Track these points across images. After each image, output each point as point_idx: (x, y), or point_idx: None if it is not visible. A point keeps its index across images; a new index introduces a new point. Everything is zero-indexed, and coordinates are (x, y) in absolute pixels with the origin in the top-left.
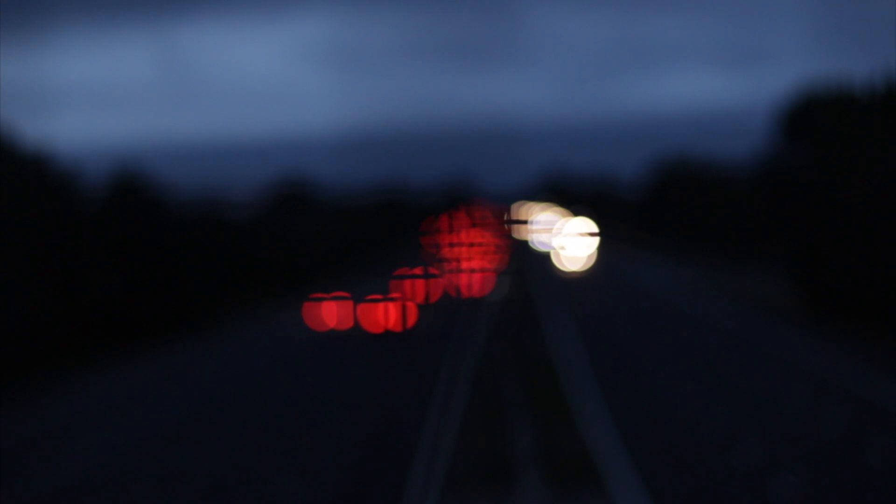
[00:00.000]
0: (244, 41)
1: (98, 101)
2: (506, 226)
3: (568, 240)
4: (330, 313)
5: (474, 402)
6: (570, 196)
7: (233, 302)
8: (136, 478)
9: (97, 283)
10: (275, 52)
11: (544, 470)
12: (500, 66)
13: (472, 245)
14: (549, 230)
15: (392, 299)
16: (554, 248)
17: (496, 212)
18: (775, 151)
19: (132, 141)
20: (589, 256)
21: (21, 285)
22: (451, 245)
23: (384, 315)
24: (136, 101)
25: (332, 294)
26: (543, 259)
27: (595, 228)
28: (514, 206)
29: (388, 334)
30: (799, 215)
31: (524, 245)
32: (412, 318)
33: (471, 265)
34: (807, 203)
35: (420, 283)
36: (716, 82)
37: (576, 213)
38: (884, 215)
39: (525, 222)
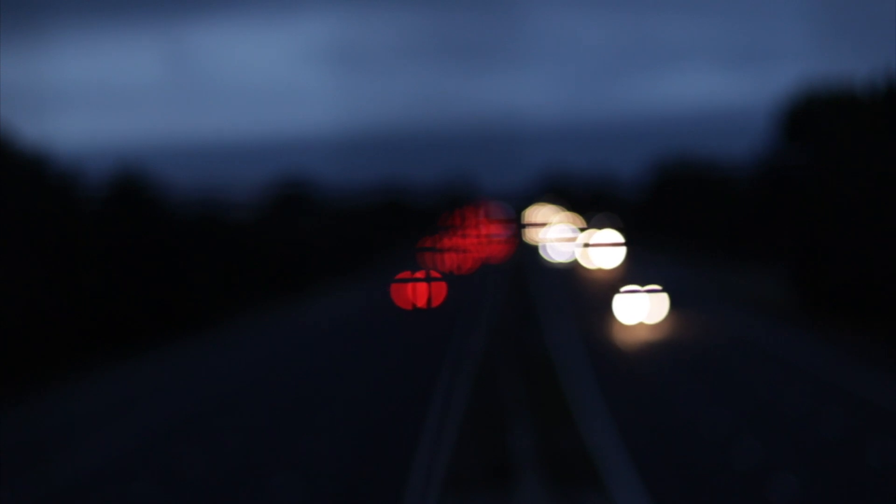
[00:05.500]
0: (244, 42)
1: (99, 100)
2: (514, 228)
3: (595, 252)
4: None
5: (474, 402)
6: (571, 196)
7: (233, 302)
8: (137, 478)
9: (97, 282)
10: (276, 53)
11: (544, 470)
12: (500, 66)
13: (481, 236)
14: (568, 239)
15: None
16: (573, 258)
17: (503, 212)
18: (775, 151)
19: (133, 141)
20: (657, 305)
21: (21, 285)
22: (464, 237)
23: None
24: (136, 101)
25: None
26: (559, 279)
27: (621, 239)
28: (519, 208)
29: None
30: (799, 215)
31: (532, 253)
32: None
33: (484, 242)
34: (807, 203)
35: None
36: (716, 82)
37: (595, 222)
38: (883, 215)
39: (535, 226)
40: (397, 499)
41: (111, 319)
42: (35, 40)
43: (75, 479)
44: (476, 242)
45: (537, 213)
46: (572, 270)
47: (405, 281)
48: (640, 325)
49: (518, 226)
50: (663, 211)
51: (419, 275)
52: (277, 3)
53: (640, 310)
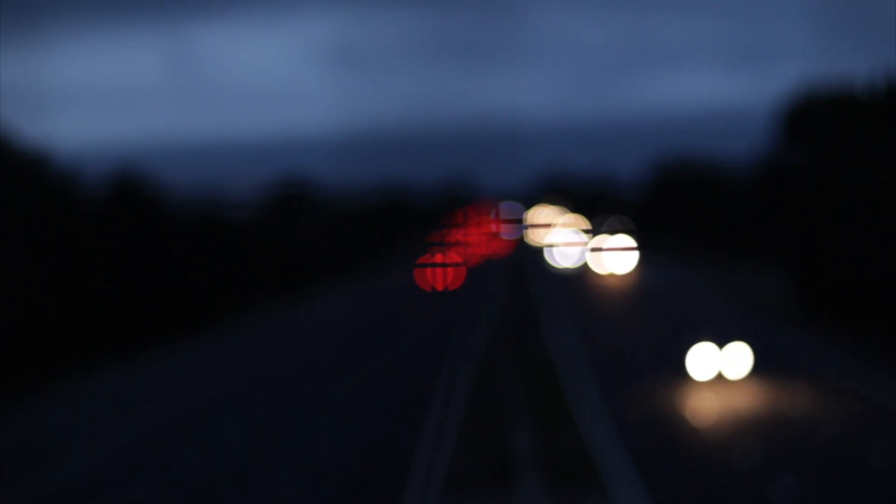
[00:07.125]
0: (244, 42)
1: (99, 100)
2: (515, 227)
3: (607, 256)
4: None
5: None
6: (572, 196)
7: (233, 302)
8: (138, 478)
9: (97, 282)
10: (276, 53)
11: (544, 470)
12: (500, 66)
13: (483, 234)
14: (575, 243)
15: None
16: (582, 263)
17: (504, 211)
18: (775, 151)
19: (133, 141)
20: (736, 358)
21: (21, 285)
22: (466, 234)
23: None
24: (137, 101)
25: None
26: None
27: (634, 243)
28: (520, 208)
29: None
30: (799, 215)
31: (535, 255)
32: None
33: (486, 239)
34: (807, 203)
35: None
36: (716, 82)
37: (607, 226)
38: (884, 215)
39: (538, 226)
40: (397, 498)
41: (111, 319)
42: (35, 40)
43: (75, 479)
44: (478, 240)
45: (539, 213)
46: (583, 276)
47: (426, 266)
48: (720, 377)
49: (520, 225)
50: (663, 211)
51: (438, 259)
52: (277, 3)
53: (717, 362)
